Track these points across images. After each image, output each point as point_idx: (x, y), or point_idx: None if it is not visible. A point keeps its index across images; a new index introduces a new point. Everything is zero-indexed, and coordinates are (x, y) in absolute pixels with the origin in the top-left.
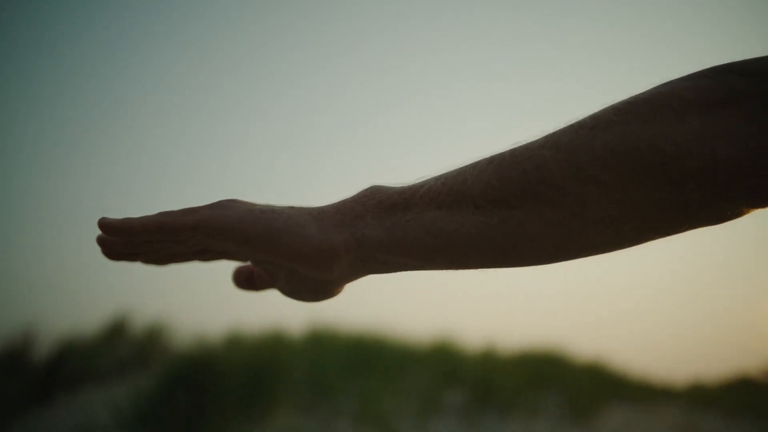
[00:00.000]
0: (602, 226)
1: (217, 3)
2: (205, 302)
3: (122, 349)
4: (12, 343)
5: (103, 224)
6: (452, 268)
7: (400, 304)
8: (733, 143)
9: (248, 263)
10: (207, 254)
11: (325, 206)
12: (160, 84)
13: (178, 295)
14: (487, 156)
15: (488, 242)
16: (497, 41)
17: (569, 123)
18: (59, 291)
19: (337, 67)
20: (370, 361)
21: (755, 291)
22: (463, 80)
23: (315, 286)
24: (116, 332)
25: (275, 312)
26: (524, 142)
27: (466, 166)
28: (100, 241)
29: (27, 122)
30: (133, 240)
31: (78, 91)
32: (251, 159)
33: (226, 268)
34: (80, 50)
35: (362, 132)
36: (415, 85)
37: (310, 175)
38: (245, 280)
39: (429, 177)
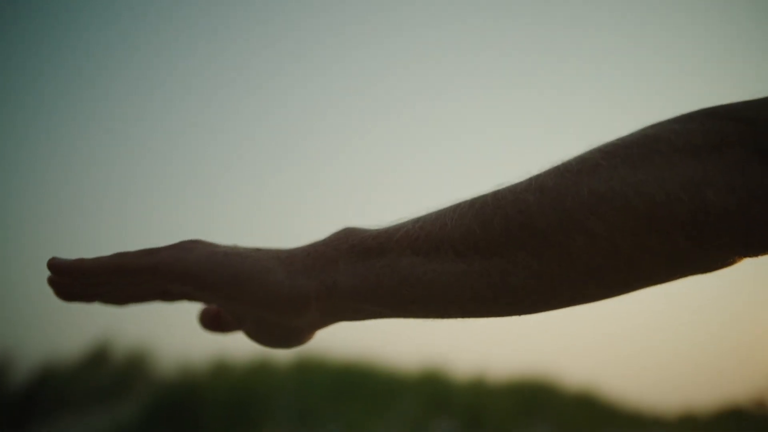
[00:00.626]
0: (588, 276)
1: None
2: (190, 328)
3: (103, 375)
4: None
5: (52, 265)
6: (430, 318)
7: (388, 331)
8: (724, 191)
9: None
10: (169, 295)
11: (294, 249)
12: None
13: (161, 320)
14: (468, 198)
15: (468, 292)
16: (501, 52)
17: (554, 165)
18: (39, 315)
19: (329, 75)
20: (358, 389)
21: (745, 320)
22: (465, 92)
23: (284, 333)
24: (97, 358)
25: None
26: (508, 185)
27: (446, 209)
28: (51, 282)
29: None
30: (86, 282)
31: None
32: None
33: None
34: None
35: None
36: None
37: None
38: (211, 322)
39: (406, 219)
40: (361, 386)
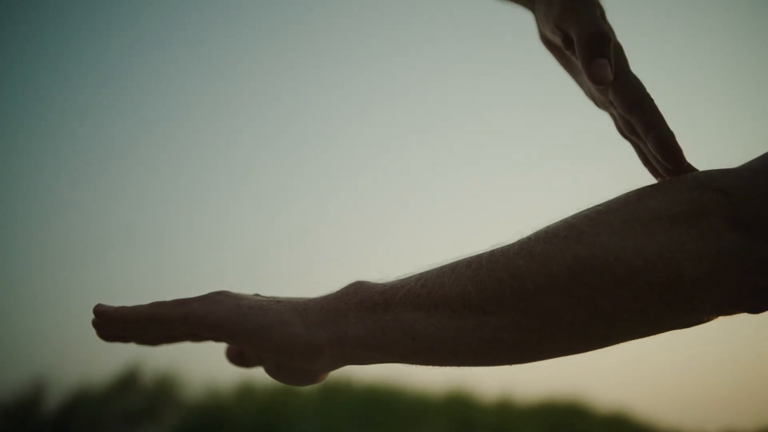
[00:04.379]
0: (572, 333)
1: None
2: (217, 352)
3: (133, 400)
4: (22, 394)
5: (98, 312)
6: (430, 365)
7: None
8: (697, 258)
9: None
10: (197, 338)
11: (310, 301)
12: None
13: (188, 346)
14: (465, 258)
15: (463, 345)
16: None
17: (543, 228)
18: (70, 341)
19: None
20: (384, 411)
21: None
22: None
23: (300, 373)
24: (127, 383)
25: None
26: (502, 246)
27: (446, 268)
28: (95, 324)
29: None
30: (126, 327)
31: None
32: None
33: None
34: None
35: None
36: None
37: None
38: (236, 359)
39: (410, 275)
40: (387, 409)
